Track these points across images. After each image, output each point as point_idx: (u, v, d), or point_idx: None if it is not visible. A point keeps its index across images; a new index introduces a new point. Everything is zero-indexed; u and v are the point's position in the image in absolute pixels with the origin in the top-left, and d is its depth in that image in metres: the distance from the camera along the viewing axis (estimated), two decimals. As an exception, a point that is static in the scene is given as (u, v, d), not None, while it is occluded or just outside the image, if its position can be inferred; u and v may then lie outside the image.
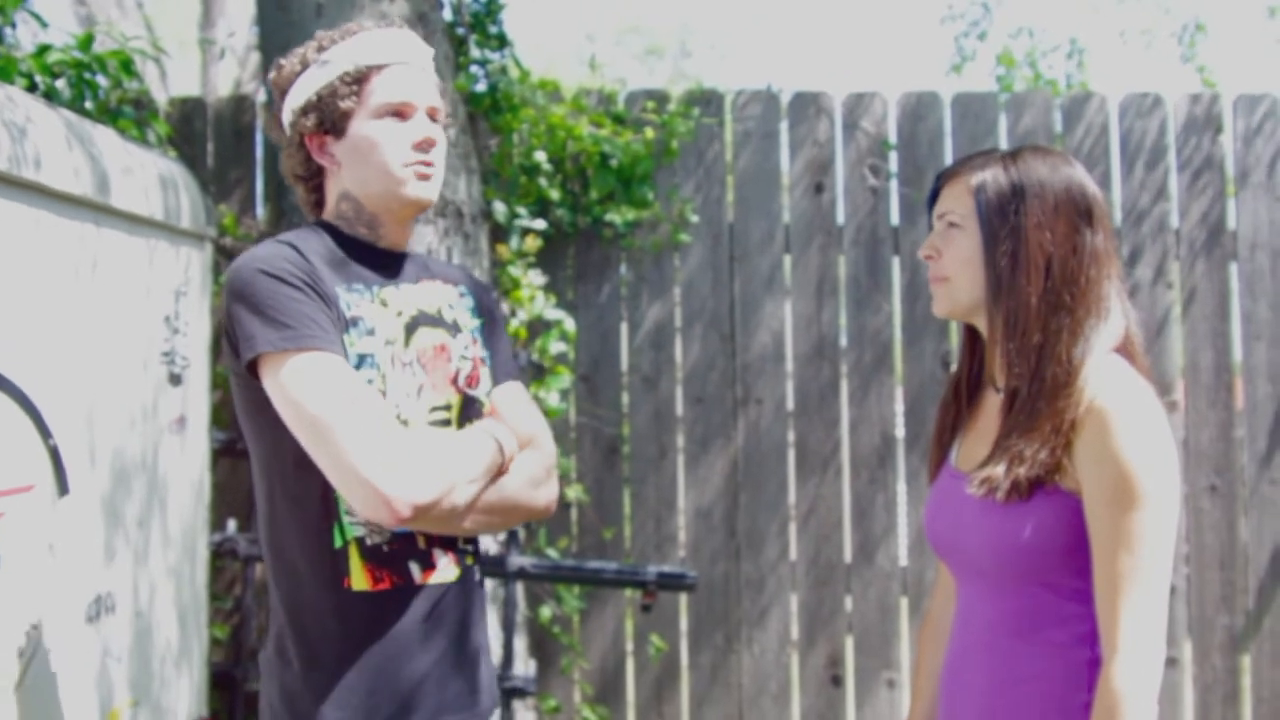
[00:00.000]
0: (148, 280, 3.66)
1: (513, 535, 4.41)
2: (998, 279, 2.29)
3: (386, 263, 2.49)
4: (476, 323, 2.60)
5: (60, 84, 4.12)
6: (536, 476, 2.50)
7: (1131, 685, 2.08)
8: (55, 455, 3.05)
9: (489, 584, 4.91)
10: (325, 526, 2.31)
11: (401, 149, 2.41)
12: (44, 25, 4.21)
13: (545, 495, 2.52)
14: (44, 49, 4.05)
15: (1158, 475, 2.14)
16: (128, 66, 4.33)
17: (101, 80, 4.29)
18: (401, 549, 2.35)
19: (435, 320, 2.48)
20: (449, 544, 2.42)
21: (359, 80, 2.40)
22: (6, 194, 2.88)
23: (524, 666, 4.96)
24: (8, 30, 4.13)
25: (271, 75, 2.51)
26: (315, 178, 2.52)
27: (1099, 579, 2.15)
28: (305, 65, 2.44)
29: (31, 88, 3.96)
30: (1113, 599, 2.12)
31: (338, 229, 2.47)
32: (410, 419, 2.35)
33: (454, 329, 2.51)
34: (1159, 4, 9.24)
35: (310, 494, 2.30)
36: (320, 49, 2.44)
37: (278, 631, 2.37)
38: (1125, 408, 2.16)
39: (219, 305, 3.14)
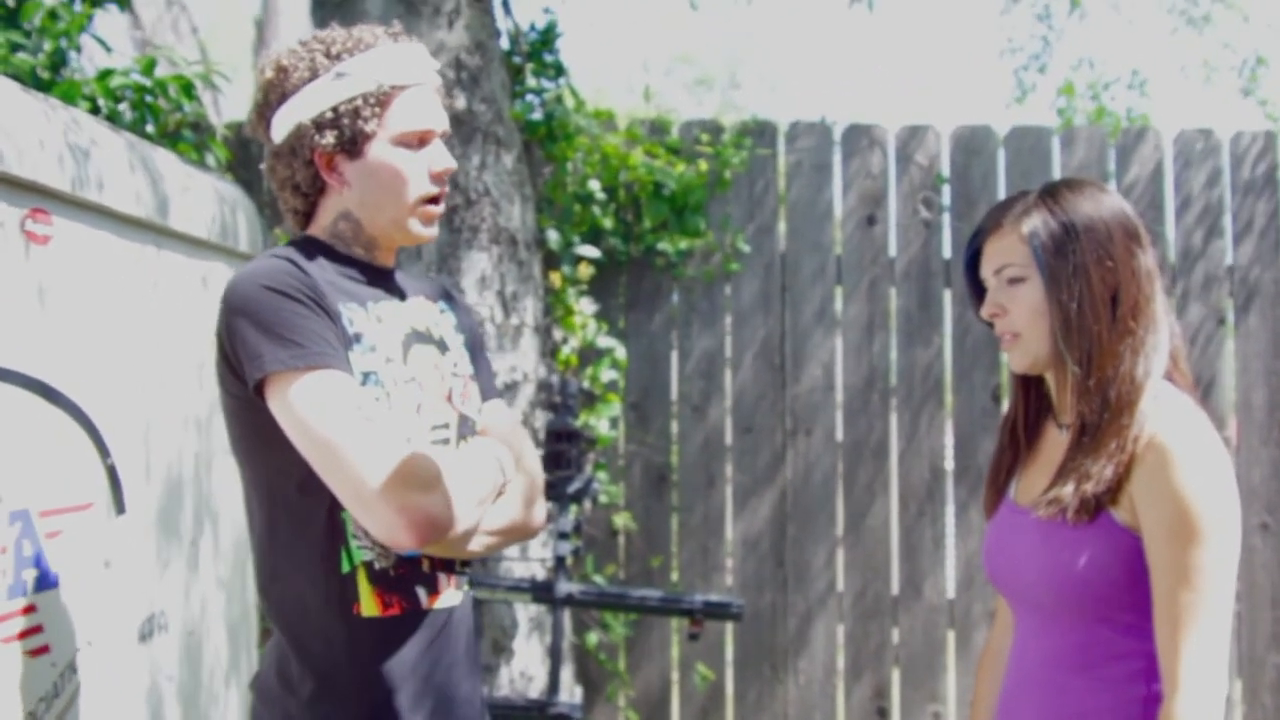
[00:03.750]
0: (205, 301, 3.70)
1: (560, 562, 4.41)
2: (1066, 321, 2.27)
3: (379, 280, 2.42)
4: (460, 338, 2.56)
5: (122, 108, 4.16)
6: (530, 497, 2.48)
7: None
8: (113, 474, 3.08)
9: (535, 610, 4.92)
10: (332, 551, 2.25)
11: (421, 180, 2.35)
12: (108, 50, 4.26)
13: (539, 515, 2.51)
14: (107, 73, 4.10)
15: (1218, 510, 2.13)
16: (189, 91, 4.37)
17: (162, 104, 4.33)
18: (408, 573, 2.30)
19: (426, 338, 2.44)
20: (449, 568, 2.38)
21: (381, 102, 2.31)
22: (70, 215, 2.91)
23: (570, 693, 4.96)
24: (72, 54, 4.18)
25: (268, 74, 2.36)
26: (313, 191, 2.40)
27: (1159, 615, 2.14)
28: (314, 73, 2.31)
29: (94, 111, 4.01)
30: (1173, 635, 2.11)
31: (331, 247, 2.39)
32: (413, 438, 2.28)
33: (443, 346, 2.47)
34: (1219, 38, 9.19)
35: (316, 518, 2.25)
36: (330, 56, 2.32)
37: (279, 658, 2.31)
38: (1185, 442, 2.15)
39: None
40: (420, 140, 2.36)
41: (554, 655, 4.38)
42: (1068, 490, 2.23)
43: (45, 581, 2.77)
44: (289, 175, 2.38)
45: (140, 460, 3.25)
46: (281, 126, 2.34)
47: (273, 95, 2.35)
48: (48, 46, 4.06)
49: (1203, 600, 2.10)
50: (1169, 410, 2.21)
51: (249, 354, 2.16)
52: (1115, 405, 2.22)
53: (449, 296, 2.65)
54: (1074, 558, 2.22)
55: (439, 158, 2.38)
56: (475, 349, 2.61)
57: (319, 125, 2.30)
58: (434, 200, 2.40)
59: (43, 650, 2.75)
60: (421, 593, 2.33)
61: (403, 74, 2.34)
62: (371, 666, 2.27)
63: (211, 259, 3.75)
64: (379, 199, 2.35)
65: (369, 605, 2.26)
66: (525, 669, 4.87)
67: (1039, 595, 2.30)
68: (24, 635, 2.68)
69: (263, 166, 2.44)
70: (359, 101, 2.30)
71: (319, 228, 2.42)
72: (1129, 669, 2.22)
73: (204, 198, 3.71)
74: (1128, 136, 5.46)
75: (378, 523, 2.09)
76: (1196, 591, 2.10)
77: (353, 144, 2.32)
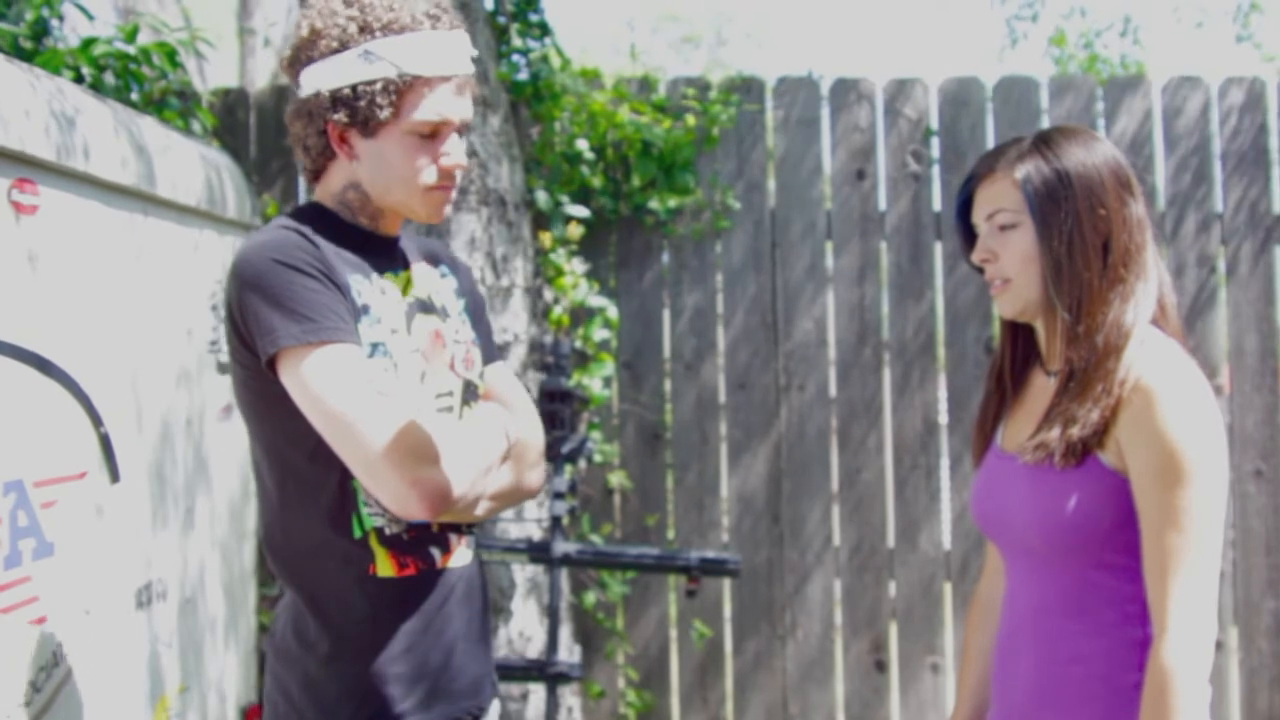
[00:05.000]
0: (194, 269, 3.69)
1: (556, 521, 4.42)
2: (1057, 267, 2.27)
3: (383, 249, 2.43)
4: (461, 304, 2.57)
5: (106, 76, 4.15)
6: (530, 460, 2.51)
7: (1182, 663, 2.07)
8: (106, 443, 3.08)
9: (533, 570, 4.93)
10: (344, 517, 2.28)
11: (429, 172, 2.33)
12: (91, 18, 4.24)
13: (538, 478, 2.54)
14: (90, 41, 4.08)
15: (1204, 451, 2.13)
16: (172, 58, 4.36)
17: (146, 72, 4.32)
18: (420, 536, 2.34)
19: (428, 306, 2.45)
20: (458, 528, 2.42)
21: (400, 91, 2.28)
22: (57, 185, 2.90)
23: (568, 652, 4.97)
24: (54, 23, 4.16)
25: (303, 32, 2.34)
26: (322, 156, 2.39)
27: (1148, 557, 2.15)
28: (344, 45, 2.28)
29: (78, 80, 3.99)
30: (1162, 577, 2.12)
31: (336, 215, 2.40)
32: (419, 407, 2.30)
33: (444, 314, 2.48)
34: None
35: (327, 486, 2.27)
36: (363, 30, 2.27)
37: (294, 617, 2.33)
38: (1170, 384, 2.16)
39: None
40: (434, 131, 2.33)
41: (552, 615, 4.39)
42: (1054, 434, 2.24)
43: (41, 551, 2.77)
44: (303, 135, 2.38)
45: (133, 428, 3.25)
46: (306, 86, 2.33)
47: (302, 54, 2.34)
48: (29, 16, 4.04)
49: (1190, 542, 2.11)
50: (1155, 354, 2.21)
51: (261, 329, 2.17)
52: (1102, 351, 2.23)
53: (452, 260, 2.65)
54: (1062, 502, 2.23)
55: (449, 153, 2.36)
56: (476, 313, 2.62)
57: (335, 99, 2.29)
58: (442, 188, 2.38)
59: (40, 620, 2.76)
60: (436, 552, 2.36)
61: (428, 65, 2.30)
62: (390, 625, 2.30)
63: (199, 226, 3.75)
64: (386, 181, 2.35)
65: (385, 566, 2.30)
66: (523, 629, 4.88)
67: (1029, 541, 2.31)
68: (21, 605, 2.69)
69: (287, 109, 2.42)
70: (378, 86, 2.27)
71: (327, 193, 2.42)
72: (1123, 612, 2.22)
73: (190, 164, 3.70)
74: (1116, 85, 5.45)
75: (390, 495, 2.13)
76: (1184, 533, 2.11)
77: (365, 124, 2.30)
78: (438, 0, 2.36)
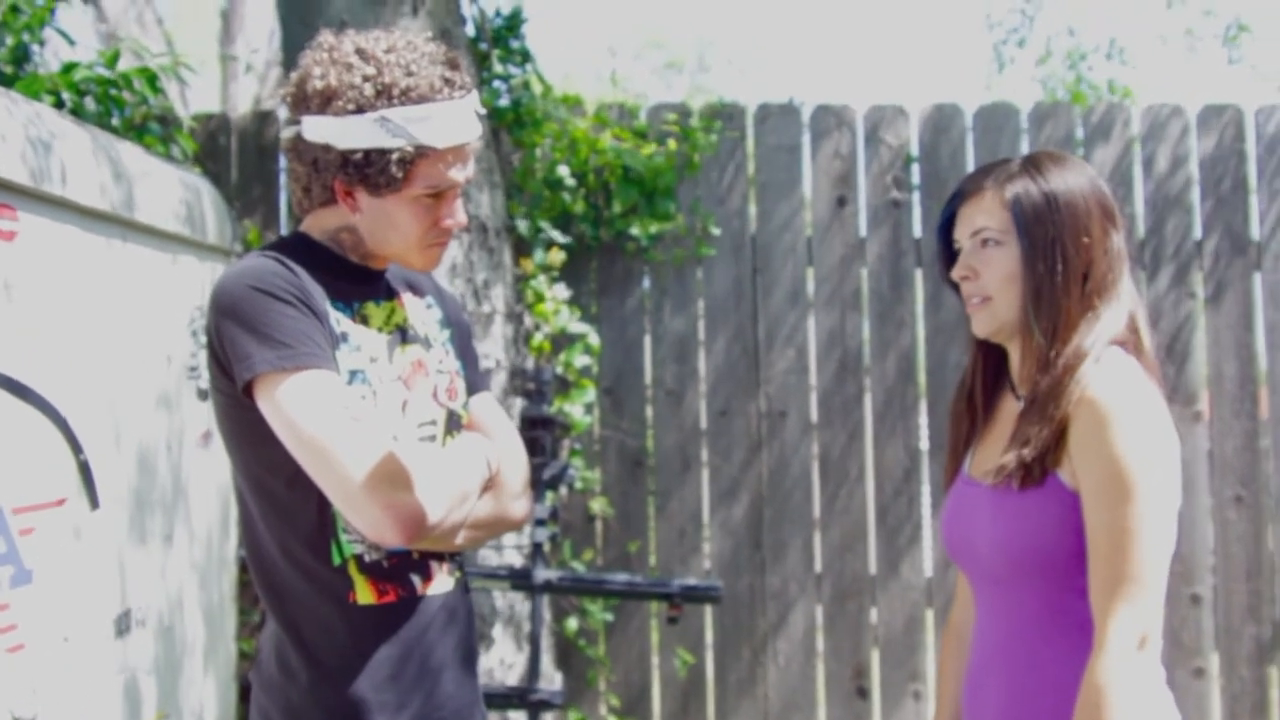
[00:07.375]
0: (174, 294, 3.68)
1: (537, 548, 4.41)
2: (1038, 291, 2.27)
3: (366, 279, 2.41)
4: (446, 334, 2.56)
5: (87, 101, 4.14)
6: (515, 490, 2.50)
7: (1113, 680, 2.05)
8: (86, 470, 3.07)
9: (515, 598, 4.92)
10: (323, 544, 2.27)
11: (430, 229, 2.32)
12: (71, 43, 4.24)
13: (523, 508, 2.52)
14: (71, 66, 4.08)
15: (1150, 468, 2.12)
16: (154, 83, 4.35)
17: (127, 97, 4.31)
18: (400, 563, 2.33)
19: (411, 336, 2.44)
20: (440, 554, 2.40)
21: (414, 161, 2.25)
22: (35, 210, 2.89)
23: (550, 680, 4.96)
24: (35, 48, 4.16)
25: (316, 84, 2.27)
26: (324, 198, 2.35)
27: (1092, 573, 2.14)
28: (360, 108, 2.22)
29: (59, 105, 3.98)
30: (1102, 594, 2.11)
31: (324, 247, 2.38)
32: (400, 435, 2.31)
33: (427, 343, 2.48)
34: (1201, 5, 9.16)
35: (306, 513, 2.26)
36: (379, 94, 2.23)
37: (277, 646, 2.32)
38: (1117, 399, 2.15)
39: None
40: (441, 195, 2.32)
41: (533, 642, 4.38)
42: (1011, 457, 2.23)
43: (20, 579, 2.75)
44: (304, 178, 2.34)
45: (112, 455, 3.24)
46: (312, 132, 2.28)
47: (314, 102, 2.28)
48: (10, 41, 4.04)
49: (1132, 560, 2.09)
50: (1106, 370, 2.20)
51: (238, 355, 2.17)
52: (1061, 372, 2.22)
53: (438, 291, 2.64)
54: (1023, 524, 2.22)
55: (452, 213, 2.35)
56: (463, 343, 2.61)
57: (346, 159, 2.25)
58: (440, 243, 2.38)
59: (18, 647, 2.74)
60: (416, 580, 2.35)
61: (444, 136, 2.26)
62: (370, 652, 2.29)
63: (179, 251, 3.74)
64: (386, 235, 2.33)
65: (364, 594, 2.29)
66: (504, 656, 4.86)
67: (995, 566, 2.30)
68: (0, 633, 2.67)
69: (282, 135, 2.38)
70: (394, 157, 2.24)
71: (319, 228, 2.39)
72: (1089, 637, 2.20)
73: (170, 190, 3.69)
74: (1096, 112, 5.47)
75: (364, 520, 2.13)
76: (1124, 551, 2.10)
77: (373, 185, 2.27)
78: (450, 58, 2.32)
